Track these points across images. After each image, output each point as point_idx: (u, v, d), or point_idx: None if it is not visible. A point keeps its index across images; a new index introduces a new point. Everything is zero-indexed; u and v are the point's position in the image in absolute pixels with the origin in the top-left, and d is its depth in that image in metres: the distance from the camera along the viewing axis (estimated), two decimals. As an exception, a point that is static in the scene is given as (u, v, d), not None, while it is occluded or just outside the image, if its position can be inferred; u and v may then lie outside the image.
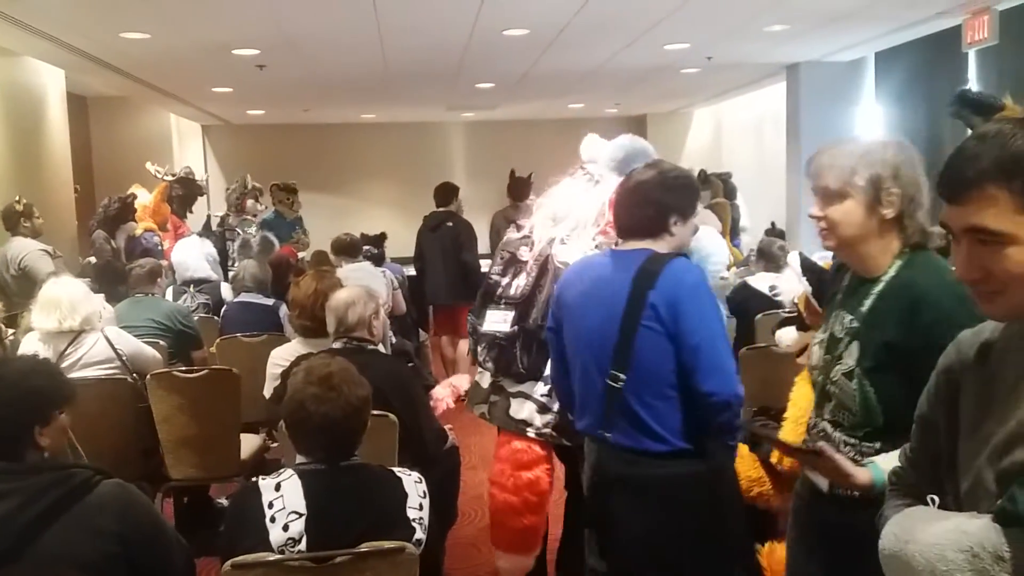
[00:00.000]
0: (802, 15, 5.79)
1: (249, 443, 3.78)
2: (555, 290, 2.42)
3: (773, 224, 7.94)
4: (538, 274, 2.83)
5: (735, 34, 6.36)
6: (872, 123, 7.55)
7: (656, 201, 2.16)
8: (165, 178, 7.51)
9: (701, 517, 2.08)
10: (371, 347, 2.96)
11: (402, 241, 8.19)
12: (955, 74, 6.19)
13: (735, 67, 7.97)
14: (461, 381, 3.18)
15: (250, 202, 7.85)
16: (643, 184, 2.19)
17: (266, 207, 8.14)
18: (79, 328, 3.44)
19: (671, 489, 2.08)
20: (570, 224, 2.79)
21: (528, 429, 2.81)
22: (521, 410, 2.82)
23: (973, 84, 6.04)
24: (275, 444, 4.17)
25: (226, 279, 5.96)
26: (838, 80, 7.69)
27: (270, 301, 4.90)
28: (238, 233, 7.25)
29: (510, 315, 2.84)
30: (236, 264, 5.86)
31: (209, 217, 8.80)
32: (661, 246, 2.15)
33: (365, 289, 3.12)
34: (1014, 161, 1.03)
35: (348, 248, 6.03)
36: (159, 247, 6.73)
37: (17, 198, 5.46)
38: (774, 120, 9.15)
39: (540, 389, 2.79)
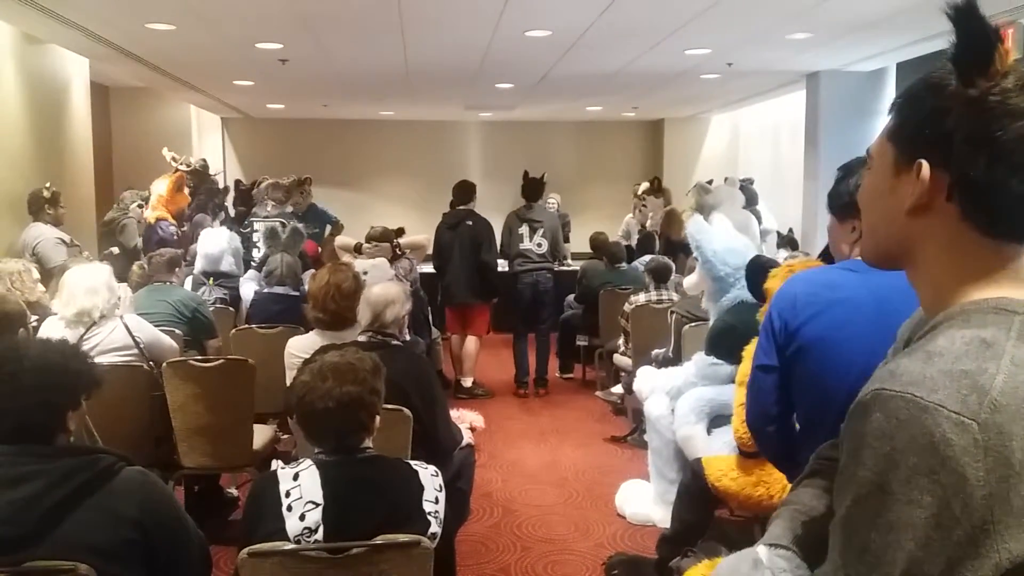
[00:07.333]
0: (826, 24, 5.76)
1: (261, 434, 3.79)
2: None
3: (791, 230, 7.92)
4: None
5: (757, 41, 6.34)
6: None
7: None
8: (180, 168, 7.52)
9: None
10: (395, 342, 2.98)
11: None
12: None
13: (755, 74, 7.95)
14: (478, 421, 3.45)
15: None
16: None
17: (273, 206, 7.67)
18: (93, 315, 3.45)
19: None
20: None
21: None
22: None
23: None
24: (286, 436, 4.20)
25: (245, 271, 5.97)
26: (858, 90, 7.65)
27: (297, 292, 4.97)
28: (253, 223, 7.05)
29: None
30: (264, 254, 5.82)
31: (227, 209, 8.75)
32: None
33: (403, 289, 3.15)
34: None
35: (375, 239, 5.97)
36: (174, 237, 6.76)
37: (47, 184, 5.50)
38: (791, 128, 9.12)
39: None
